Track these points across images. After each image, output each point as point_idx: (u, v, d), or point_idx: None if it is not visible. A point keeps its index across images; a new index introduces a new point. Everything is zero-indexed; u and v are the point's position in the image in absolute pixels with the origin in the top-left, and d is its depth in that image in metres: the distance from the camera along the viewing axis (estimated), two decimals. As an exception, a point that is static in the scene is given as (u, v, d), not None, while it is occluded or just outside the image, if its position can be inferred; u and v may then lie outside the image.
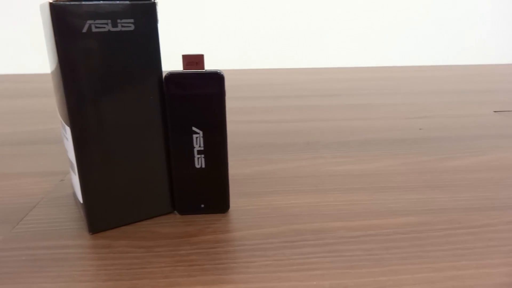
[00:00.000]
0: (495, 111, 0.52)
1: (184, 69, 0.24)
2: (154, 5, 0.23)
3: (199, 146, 0.25)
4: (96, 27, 0.22)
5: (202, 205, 0.26)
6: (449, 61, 0.95)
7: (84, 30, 0.21)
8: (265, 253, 0.22)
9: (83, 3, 0.21)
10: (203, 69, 0.24)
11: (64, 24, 0.21)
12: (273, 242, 0.24)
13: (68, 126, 0.23)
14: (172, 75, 0.24)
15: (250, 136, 0.43)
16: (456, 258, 0.22)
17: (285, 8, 0.90)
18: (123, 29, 0.22)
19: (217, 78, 0.24)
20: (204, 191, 0.26)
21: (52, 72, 0.25)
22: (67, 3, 0.21)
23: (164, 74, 0.24)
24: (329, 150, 0.39)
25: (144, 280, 0.20)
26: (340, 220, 0.26)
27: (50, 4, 0.20)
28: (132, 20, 0.22)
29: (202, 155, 0.25)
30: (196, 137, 0.25)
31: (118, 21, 0.22)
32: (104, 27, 0.22)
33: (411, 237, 0.24)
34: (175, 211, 0.27)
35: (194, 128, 0.25)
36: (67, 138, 0.24)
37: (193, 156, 0.25)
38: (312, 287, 0.20)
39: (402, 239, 0.24)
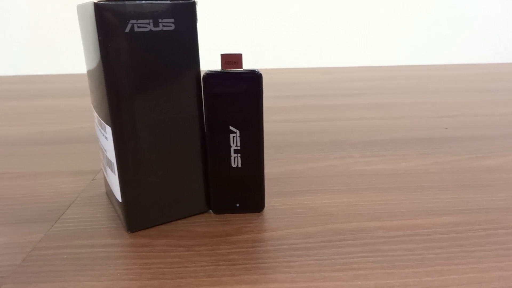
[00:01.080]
0: (520, 110, 0.52)
1: (222, 68, 0.24)
2: (194, 5, 0.23)
3: (236, 145, 0.25)
4: (138, 27, 0.22)
5: (237, 205, 0.26)
6: (470, 60, 0.93)
7: (127, 30, 0.21)
8: (306, 253, 0.22)
9: (127, 3, 0.21)
10: (241, 68, 0.24)
11: (108, 24, 0.21)
12: (312, 241, 0.23)
13: (109, 125, 0.23)
14: (210, 74, 0.24)
15: (275, 135, 0.43)
16: (500, 259, 0.22)
17: (303, 6, 0.89)
18: (164, 28, 0.22)
19: (255, 77, 0.24)
20: (240, 190, 0.26)
21: (89, 72, 0.25)
22: (111, 3, 0.21)
23: (202, 73, 0.24)
24: (357, 149, 0.38)
25: (188, 279, 0.20)
26: (377, 219, 0.26)
27: (95, 4, 0.20)
28: (172, 20, 0.22)
29: (239, 154, 0.25)
30: (233, 136, 0.25)
31: (159, 20, 0.22)
32: (146, 27, 0.22)
33: (451, 237, 0.24)
34: (210, 210, 0.27)
35: (231, 127, 0.25)
36: (106, 138, 0.24)
37: (230, 156, 0.25)
38: (357, 287, 0.20)
39: (442, 239, 0.23)
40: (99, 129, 0.26)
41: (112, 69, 0.22)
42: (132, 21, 0.21)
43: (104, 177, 0.29)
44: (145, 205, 0.25)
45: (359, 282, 0.20)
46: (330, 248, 0.23)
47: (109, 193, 0.28)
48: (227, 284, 0.20)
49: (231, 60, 0.24)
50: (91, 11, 0.21)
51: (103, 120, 0.24)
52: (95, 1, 0.21)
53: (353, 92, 0.64)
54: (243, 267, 0.21)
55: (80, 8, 0.24)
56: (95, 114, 0.26)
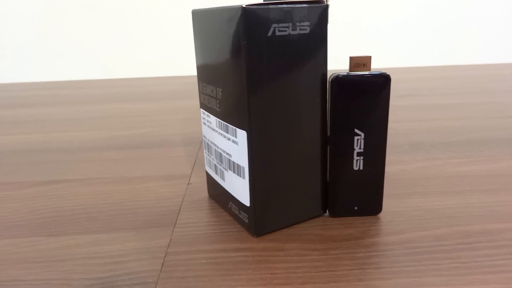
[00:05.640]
0: None
1: (350, 71, 0.24)
2: (327, 8, 0.23)
3: (359, 148, 0.25)
4: (279, 31, 0.22)
5: (356, 208, 0.26)
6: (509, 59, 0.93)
7: (269, 33, 0.21)
8: (447, 255, 0.22)
9: (270, 7, 0.21)
10: (370, 70, 0.24)
11: (253, 28, 0.21)
12: (446, 244, 0.23)
13: (245, 130, 0.23)
14: (340, 77, 0.24)
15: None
16: None
17: (347, 6, 0.89)
18: (300, 32, 0.22)
19: (384, 80, 0.24)
20: (359, 193, 0.26)
21: (208, 73, 0.25)
22: (257, 7, 0.21)
23: (329, 76, 0.24)
24: (439, 150, 0.38)
25: (341, 283, 0.20)
26: (501, 221, 0.25)
27: (243, 8, 0.21)
28: (308, 23, 0.22)
29: (361, 157, 0.25)
30: (357, 139, 0.25)
31: (297, 24, 0.22)
32: (285, 31, 0.22)
33: None
34: (326, 213, 0.27)
35: (356, 130, 0.25)
36: (235, 142, 0.24)
37: (352, 158, 0.25)
38: (516, 290, 0.19)
39: None
40: (219, 133, 0.26)
41: (254, 73, 0.22)
42: (274, 25, 0.21)
43: (209, 181, 0.29)
44: (272, 209, 0.25)
45: (517, 285, 0.20)
46: (469, 251, 0.22)
47: (218, 197, 0.28)
48: (383, 288, 0.20)
49: (361, 62, 0.24)
50: (233, 15, 0.21)
51: (231, 124, 0.24)
52: (244, 6, 0.21)
53: (406, 93, 0.63)
54: (390, 270, 0.21)
55: (204, 13, 0.25)
56: (212, 118, 0.26)
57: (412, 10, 0.90)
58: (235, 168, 0.25)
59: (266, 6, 0.21)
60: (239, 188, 0.25)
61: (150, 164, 0.37)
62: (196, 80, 0.81)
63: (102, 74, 0.89)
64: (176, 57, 0.89)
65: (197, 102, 0.62)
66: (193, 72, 0.88)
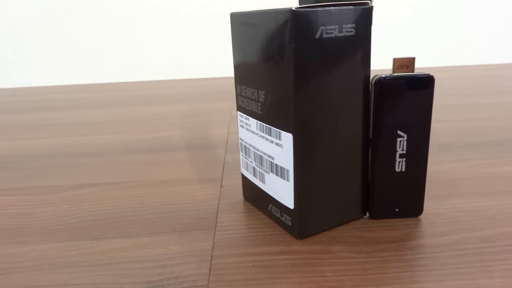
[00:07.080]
0: None
1: (393, 72, 0.24)
2: (371, 9, 0.23)
3: (402, 150, 0.25)
4: (326, 33, 0.22)
5: (397, 209, 0.26)
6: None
7: (317, 36, 0.21)
8: (497, 257, 0.22)
9: (319, 9, 0.21)
10: (413, 71, 0.24)
11: (302, 31, 0.21)
12: (493, 245, 0.23)
13: (290, 132, 0.23)
14: (383, 79, 0.24)
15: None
16: None
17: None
18: (346, 34, 0.22)
19: (428, 81, 0.24)
20: (401, 195, 0.26)
21: (248, 75, 0.25)
22: (306, 10, 0.21)
23: (371, 78, 0.24)
24: (469, 151, 0.38)
25: (393, 286, 0.20)
26: (545, 222, 0.25)
27: (292, 11, 0.21)
28: (354, 25, 0.22)
29: (404, 159, 0.25)
30: (400, 141, 0.25)
31: (344, 26, 0.22)
32: (332, 33, 0.22)
33: None
34: (366, 216, 0.27)
35: (399, 132, 0.25)
36: (278, 144, 0.24)
37: (395, 160, 0.25)
38: None
39: None
40: (260, 136, 0.26)
41: (301, 75, 0.22)
42: (322, 27, 0.21)
43: (244, 183, 0.29)
44: (314, 211, 0.24)
45: None
46: (518, 252, 0.22)
47: (255, 199, 0.28)
48: (437, 290, 0.20)
49: (404, 64, 0.24)
50: (281, 18, 0.21)
51: (275, 127, 0.24)
52: (293, 9, 0.21)
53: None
54: (441, 272, 0.21)
55: (245, 16, 0.25)
56: (252, 121, 0.26)
57: (420, 9, 0.90)
58: (279, 171, 0.25)
59: (315, 9, 0.21)
60: (282, 190, 0.25)
61: (180, 167, 0.37)
62: (209, 82, 0.81)
63: (111, 77, 0.89)
64: (184, 60, 0.89)
65: (214, 104, 0.62)
66: (202, 75, 0.88)
